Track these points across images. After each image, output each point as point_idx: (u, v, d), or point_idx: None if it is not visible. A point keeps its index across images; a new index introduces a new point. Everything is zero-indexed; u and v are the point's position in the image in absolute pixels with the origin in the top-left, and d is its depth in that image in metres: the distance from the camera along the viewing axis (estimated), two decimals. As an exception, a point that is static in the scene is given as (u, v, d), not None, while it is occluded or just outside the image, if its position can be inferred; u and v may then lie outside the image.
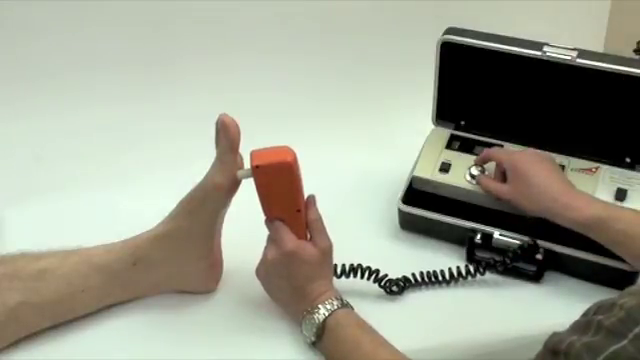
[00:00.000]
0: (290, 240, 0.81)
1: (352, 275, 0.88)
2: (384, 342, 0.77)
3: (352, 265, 0.88)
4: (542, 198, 0.87)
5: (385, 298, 0.90)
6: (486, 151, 0.97)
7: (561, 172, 0.92)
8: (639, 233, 0.83)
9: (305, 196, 0.83)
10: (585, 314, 0.60)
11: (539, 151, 0.96)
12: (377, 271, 0.89)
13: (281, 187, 0.80)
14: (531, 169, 0.90)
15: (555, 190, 0.87)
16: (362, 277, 0.89)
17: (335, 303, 0.79)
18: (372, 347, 0.76)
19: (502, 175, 0.94)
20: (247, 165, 0.80)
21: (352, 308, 0.81)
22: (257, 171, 0.78)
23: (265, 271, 0.83)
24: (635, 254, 0.84)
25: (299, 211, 0.82)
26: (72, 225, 0.98)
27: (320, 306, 0.79)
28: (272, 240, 0.82)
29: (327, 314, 0.78)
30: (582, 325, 0.58)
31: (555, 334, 0.60)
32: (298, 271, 0.81)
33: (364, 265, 0.89)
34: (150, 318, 0.86)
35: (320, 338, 0.79)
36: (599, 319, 0.56)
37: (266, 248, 0.83)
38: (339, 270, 0.88)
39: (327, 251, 0.83)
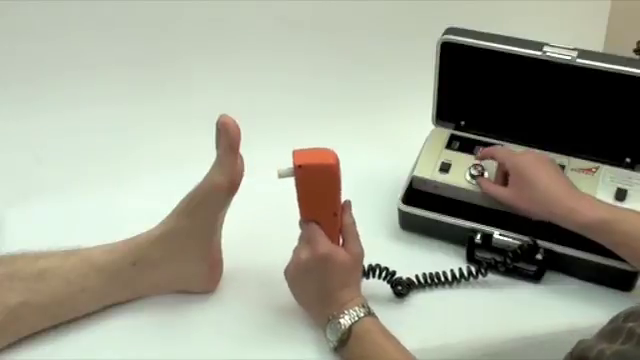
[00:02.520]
0: (325, 243, 0.80)
1: (371, 275, 0.88)
2: (407, 352, 0.76)
3: (370, 265, 0.88)
4: (545, 202, 0.87)
5: (388, 299, 0.90)
6: (488, 149, 0.97)
7: (563, 174, 0.92)
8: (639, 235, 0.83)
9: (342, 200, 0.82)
10: (613, 321, 0.59)
11: (540, 152, 0.96)
12: (394, 272, 0.89)
13: (321, 189, 0.79)
14: (534, 172, 0.89)
15: (558, 193, 0.87)
16: (379, 277, 0.89)
17: (363, 310, 0.79)
18: (397, 355, 0.76)
19: (503, 176, 0.93)
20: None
21: (376, 317, 0.80)
22: (299, 171, 0.77)
23: (295, 271, 0.82)
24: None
25: (335, 215, 0.81)
26: (72, 225, 0.98)
27: (348, 311, 0.78)
28: (305, 241, 0.81)
29: (355, 320, 0.78)
30: (610, 332, 0.57)
31: (581, 342, 0.59)
32: (330, 276, 0.80)
33: (382, 265, 0.89)
34: (150, 318, 0.86)
35: (344, 343, 0.78)
36: (630, 326, 0.55)
37: (298, 249, 0.82)
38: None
39: (359, 258, 0.83)
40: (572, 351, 0.59)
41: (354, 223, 0.83)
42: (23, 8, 1.14)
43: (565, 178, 0.91)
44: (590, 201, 0.87)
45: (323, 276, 0.80)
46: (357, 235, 0.83)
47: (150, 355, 0.82)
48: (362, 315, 0.78)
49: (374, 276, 0.89)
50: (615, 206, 0.89)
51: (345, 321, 0.78)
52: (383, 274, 0.89)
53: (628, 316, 0.57)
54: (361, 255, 0.83)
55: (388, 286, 0.90)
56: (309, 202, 0.80)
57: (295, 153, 0.78)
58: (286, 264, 0.84)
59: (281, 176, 0.78)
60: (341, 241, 0.83)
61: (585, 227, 0.84)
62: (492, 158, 0.96)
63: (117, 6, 1.17)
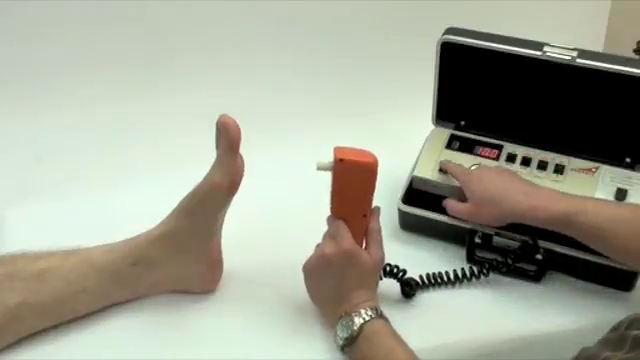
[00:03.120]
0: (350, 240, 0.81)
1: (384, 275, 0.88)
2: (415, 356, 0.76)
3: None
4: (504, 205, 0.87)
5: (394, 299, 0.90)
6: (448, 165, 0.97)
7: (519, 177, 0.90)
8: (608, 224, 0.82)
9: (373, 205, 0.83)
10: (615, 328, 0.58)
11: (492, 166, 0.95)
12: (405, 271, 0.89)
13: (356, 188, 0.80)
14: (484, 180, 0.90)
15: (515, 193, 0.87)
16: (391, 275, 0.89)
17: (375, 312, 0.79)
18: (405, 358, 0.76)
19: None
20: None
21: (387, 320, 0.80)
22: (340, 165, 0.78)
23: (316, 265, 0.82)
24: (611, 247, 0.83)
25: (365, 216, 0.82)
26: (72, 225, 0.98)
27: (359, 311, 0.78)
28: (331, 237, 0.82)
29: (367, 319, 0.78)
30: (615, 340, 0.57)
31: (585, 349, 0.58)
32: (350, 273, 0.80)
33: (392, 263, 0.89)
34: (150, 318, 0.86)
35: (354, 341, 0.78)
36: (635, 334, 0.55)
37: (323, 244, 0.83)
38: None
39: (379, 263, 0.84)
40: (576, 358, 0.59)
41: (380, 230, 0.84)
42: (23, 8, 1.14)
43: (522, 180, 0.90)
44: (550, 195, 0.86)
45: (343, 273, 0.80)
46: (381, 242, 0.84)
47: (150, 355, 0.82)
48: (374, 316, 0.78)
49: (386, 275, 0.89)
50: (580, 197, 0.87)
51: (358, 319, 0.78)
52: (394, 270, 0.89)
53: (631, 323, 0.56)
54: (382, 261, 0.84)
55: (395, 286, 0.90)
56: (342, 199, 0.81)
57: (336, 149, 0.79)
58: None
59: (319, 168, 0.79)
60: (364, 245, 0.84)
61: (549, 222, 0.84)
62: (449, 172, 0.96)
63: (117, 6, 1.17)
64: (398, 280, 0.90)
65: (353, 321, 0.78)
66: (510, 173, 0.92)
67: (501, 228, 0.92)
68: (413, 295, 0.90)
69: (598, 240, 0.84)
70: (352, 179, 0.79)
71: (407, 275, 0.90)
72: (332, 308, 0.81)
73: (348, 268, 0.80)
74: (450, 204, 0.95)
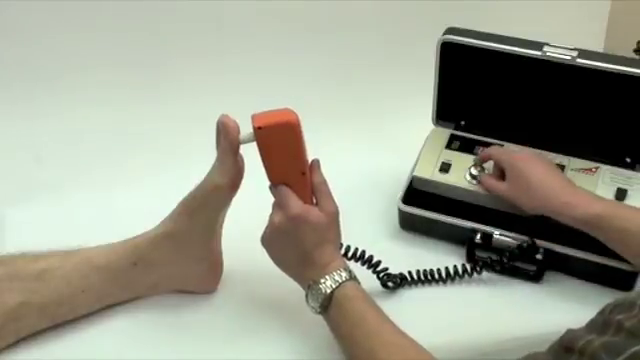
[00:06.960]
0: (296, 204, 0.79)
1: (353, 260, 0.87)
2: (388, 319, 0.76)
3: (356, 249, 0.87)
4: (541, 196, 0.88)
5: (384, 295, 0.90)
6: (486, 150, 0.97)
7: (560, 171, 0.93)
8: (636, 228, 0.83)
9: (309, 160, 0.81)
10: (601, 312, 0.59)
11: (537, 151, 0.96)
12: (379, 262, 0.89)
13: (285, 149, 0.78)
14: (530, 167, 0.90)
15: (555, 188, 0.88)
16: (363, 264, 0.88)
17: (343, 275, 0.78)
18: (377, 323, 0.75)
19: (500, 173, 0.94)
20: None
21: (358, 281, 0.80)
22: (260, 133, 0.76)
23: (270, 237, 0.81)
24: (635, 252, 0.84)
25: (304, 174, 0.80)
26: (72, 225, 0.98)
27: (327, 277, 0.77)
28: (277, 205, 0.81)
29: (334, 286, 0.77)
30: (600, 324, 0.57)
31: (570, 331, 0.59)
32: (305, 236, 0.79)
33: (367, 253, 0.88)
34: (150, 318, 0.86)
35: (326, 309, 0.77)
36: (619, 319, 0.55)
37: (272, 214, 0.81)
38: (343, 250, 0.86)
39: (333, 215, 0.81)
40: (561, 338, 0.60)
41: (325, 182, 0.82)
42: (23, 8, 1.14)
43: (562, 175, 0.91)
44: (587, 196, 0.87)
45: (298, 237, 0.79)
46: (329, 193, 0.82)
47: (150, 355, 0.82)
48: (343, 280, 0.77)
49: (356, 260, 0.87)
50: (612, 201, 0.90)
51: (325, 287, 0.77)
52: (365, 258, 0.87)
53: (614, 308, 0.57)
54: (335, 213, 0.82)
55: (376, 280, 0.89)
56: (275, 164, 0.79)
57: (254, 116, 0.77)
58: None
59: (243, 142, 0.77)
60: (314, 201, 0.82)
61: (580, 221, 0.85)
62: (490, 159, 0.96)
63: (118, 7, 1.17)
64: (373, 272, 0.88)
65: (321, 289, 0.77)
66: (555, 166, 0.93)
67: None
68: (391, 288, 0.90)
69: (622, 245, 0.85)
70: (278, 142, 0.77)
71: (384, 268, 0.89)
72: (300, 274, 0.81)
73: (302, 231, 0.79)
74: (486, 179, 0.95)
